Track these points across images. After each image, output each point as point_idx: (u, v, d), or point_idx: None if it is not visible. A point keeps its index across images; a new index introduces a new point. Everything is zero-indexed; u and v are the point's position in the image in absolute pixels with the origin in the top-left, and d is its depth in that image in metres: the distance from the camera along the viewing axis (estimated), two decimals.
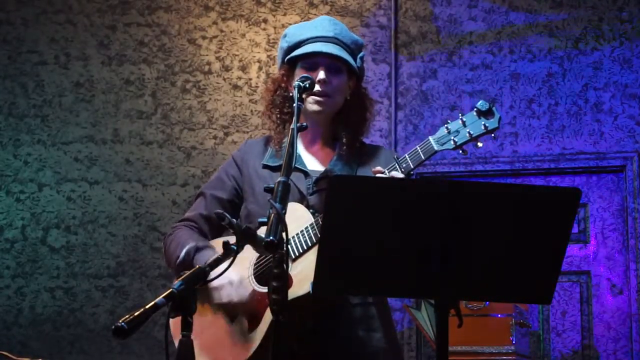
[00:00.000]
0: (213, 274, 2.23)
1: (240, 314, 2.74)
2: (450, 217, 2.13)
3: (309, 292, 2.55)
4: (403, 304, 5.38)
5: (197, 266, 2.19)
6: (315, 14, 6.04)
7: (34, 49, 6.34)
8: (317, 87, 2.80)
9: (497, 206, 2.15)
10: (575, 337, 5.54)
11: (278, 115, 2.93)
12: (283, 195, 2.23)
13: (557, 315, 5.58)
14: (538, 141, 5.67)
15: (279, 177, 2.28)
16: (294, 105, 2.55)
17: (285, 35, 2.96)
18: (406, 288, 2.27)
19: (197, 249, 2.81)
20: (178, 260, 2.81)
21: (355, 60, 2.91)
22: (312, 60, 2.86)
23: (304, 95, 2.74)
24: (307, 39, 2.88)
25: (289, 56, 2.92)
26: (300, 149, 2.93)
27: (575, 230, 5.57)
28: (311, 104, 2.83)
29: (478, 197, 2.15)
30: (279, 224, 2.15)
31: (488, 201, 2.15)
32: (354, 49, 2.92)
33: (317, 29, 2.90)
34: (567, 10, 5.76)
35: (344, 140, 2.90)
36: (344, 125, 2.91)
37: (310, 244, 2.65)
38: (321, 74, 2.83)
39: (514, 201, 2.16)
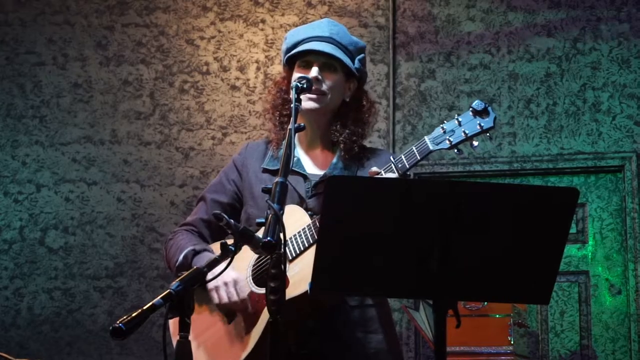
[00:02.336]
0: (211, 274, 2.23)
1: (238, 314, 2.75)
2: (448, 217, 2.13)
3: (306, 292, 2.55)
4: (401, 305, 5.38)
5: (195, 267, 2.18)
6: (313, 14, 6.04)
7: (32, 50, 6.34)
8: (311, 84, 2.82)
9: (495, 206, 2.15)
10: (574, 338, 5.54)
11: (278, 117, 2.93)
12: (281, 196, 2.24)
13: (556, 316, 5.58)
14: (536, 141, 5.67)
15: (276, 178, 2.29)
16: (292, 105, 2.55)
17: (285, 38, 2.99)
18: (404, 288, 2.27)
19: (195, 253, 2.83)
20: (177, 264, 2.84)
21: (353, 61, 2.91)
22: (307, 59, 2.88)
23: (300, 96, 2.74)
24: (304, 39, 2.90)
25: (285, 57, 2.93)
26: (300, 152, 2.94)
27: (573, 230, 5.57)
28: (305, 102, 2.83)
29: (476, 197, 2.15)
30: (277, 224, 2.15)
31: (486, 201, 2.15)
32: (352, 50, 2.92)
33: (314, 30, 2.92)
34: (565, 10, 5.76)
35: (343, 143, 2.90)
36: (343, 128, 2.91)
37: (307, 245, 2.66)
38: (314, 71, 2.84)
39: (512, 201, 2.16)
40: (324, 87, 2.85)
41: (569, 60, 5.70)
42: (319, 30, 2.91)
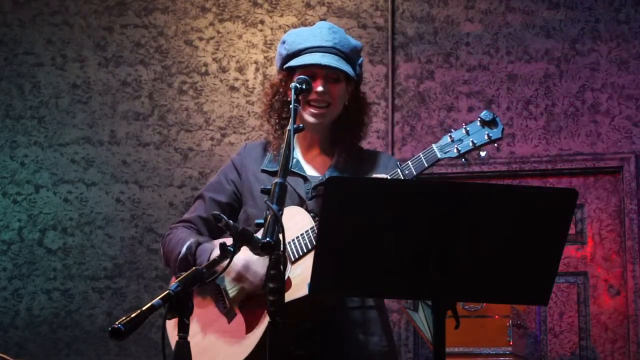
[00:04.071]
0: (219, 268, 2.24)
1: (238, 313, 2.75)
2: (447, 218, 2.13)
3: (307, 295, 2.55)
4: (400, 306, 5.37)
5: (194, 268, 2.18)
6: (312, 15, 6.04)
7: (31, 51, 6.34)
8: (315, 97, 2.82)
9: (494, 207, 2.15)
10: (573, 338, 5.54)
11: (277, 120, 2.93)
12: (280, 196, 2.24)
13: (555, 317, 5.57)
14: (535, 142, 5.67)
15: (275, 179, 2.29)
16: (291, 106, 2.56)
17: (284, 42, 2.95)
18: (403, 289, 2.27)
19: (199, 244, 2.83)
20: (180, 256, 2.83)
21: (354, 67, 2.91)
22: (311, 71, 2.84)
23: (301, 98, 2.74)
24: (306, 49, 2.87)
25: (287, 65, 2.91)
26: (299, 155, 2.95)
27: (572, 231, 5.57)
28: (309, 116, 2.84)
29: (475, 198, 2.15)
30: (276, 225, 2.15)
31: (485, 202, 2.15)
32: (352, 56, 2.91)
33: (316, 38, 2.88)
34: (564, 11, 5.76)
35: (342, 147, 2.90)
36: (343, 131, 2.92)
37: (310, 247, 2.66)
38: (320, 86, 2.83)
39: (510, 202, 2.16)
40: (329, 99, 2.85)
41: (568, 61, 5.70)
42: (321, 39, 2.88)
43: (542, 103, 5.70)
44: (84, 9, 6.35)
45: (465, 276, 2.19)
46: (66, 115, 6.23)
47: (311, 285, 2.20)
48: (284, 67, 2.92)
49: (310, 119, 2.85)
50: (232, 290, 2.79)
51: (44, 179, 6.17)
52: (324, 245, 2.16)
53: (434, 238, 2.14)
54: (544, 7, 5.79)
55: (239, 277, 2.72)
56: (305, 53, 2.87)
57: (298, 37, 2.91)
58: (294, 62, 2.87)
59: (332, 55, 2.85)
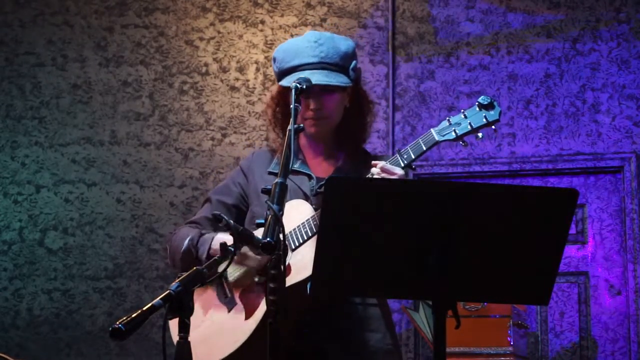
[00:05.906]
0: (221, 267, 2.26)
1: (238, 302, 2.77)
2: (447, 218, 2.13)
3: (308, 278, 2.57)
4: (401, 305, 5.38)
5: (195, 267, 2.19)
6: (312, 15, 6.04)
7: (31, 51, 6.34)
8: (310, 114, 2.84)
9: (495, 207, 2.15)
10: (573, 338, 5.54)
11: (281, 130, 2.97)
12: (280, 196, 2.25)
13: (555, 316, 5.58)
14: (536, 142, 5.67)
15: (276, 179, 2.30)
16: (291, 107, 2.57)
17: (274, 59, 2.95)
18: (403, 289, 2.27)
19: (200, 235, 2.90)
20: (183, 248, 2.88)
21: (347, 73, 2.89)
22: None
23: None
24: (295, 67, 2.86)
25: (280, 83, 2.91)
26: (304, 158, 2.97)
27: (573, 231, 5.57)
28: (308, 127, 2.88)
29: (475, 198, 2.16)
30: (276, 225, 2.16)
31: (485, 202, 2.15)
32: (344, 63, 2.89)
33: (302, 55, 2.86)
34: (564, 11, 5.76)
35: (347, 151, 2.93)
36: (346, 134, 2.94)
37: (310, 234, 2.71)
38: (312, 104, 2.84)
39: (511, 202, 2.16)
40: (325, 112, 2.87)
41: (569, 61, 5.70)
42: (307, 55, 2.85)
43: (542, 103, 5.70)
44: (84, 9, 6.35)
45: (465, 276, 2.19)
46: (67, 115, 6.23)
47: (311, 286, 2.21)
48: (279, 83, 2.93)
49: (309, 130, 2.89)
50: (233, 276, 2.83)
51: (44, 179, 6.18)
52: (324, 245, 2.17)
53: (434, 238, 2.14)
54: (545, 7, 5.79)
55: (243, 257, 2.74)
56: (295, 72, 2.86)
57: (286, 55, 2.90)
58: (285, 82, 2.87)
59: (320, 71, 2.84)
